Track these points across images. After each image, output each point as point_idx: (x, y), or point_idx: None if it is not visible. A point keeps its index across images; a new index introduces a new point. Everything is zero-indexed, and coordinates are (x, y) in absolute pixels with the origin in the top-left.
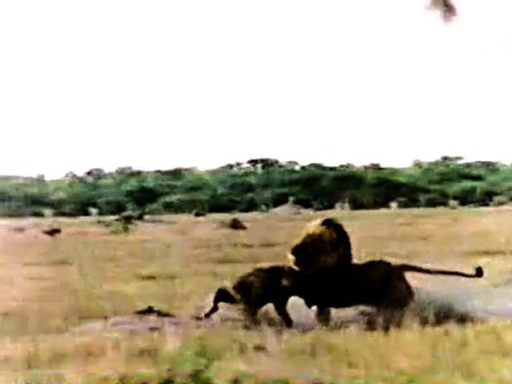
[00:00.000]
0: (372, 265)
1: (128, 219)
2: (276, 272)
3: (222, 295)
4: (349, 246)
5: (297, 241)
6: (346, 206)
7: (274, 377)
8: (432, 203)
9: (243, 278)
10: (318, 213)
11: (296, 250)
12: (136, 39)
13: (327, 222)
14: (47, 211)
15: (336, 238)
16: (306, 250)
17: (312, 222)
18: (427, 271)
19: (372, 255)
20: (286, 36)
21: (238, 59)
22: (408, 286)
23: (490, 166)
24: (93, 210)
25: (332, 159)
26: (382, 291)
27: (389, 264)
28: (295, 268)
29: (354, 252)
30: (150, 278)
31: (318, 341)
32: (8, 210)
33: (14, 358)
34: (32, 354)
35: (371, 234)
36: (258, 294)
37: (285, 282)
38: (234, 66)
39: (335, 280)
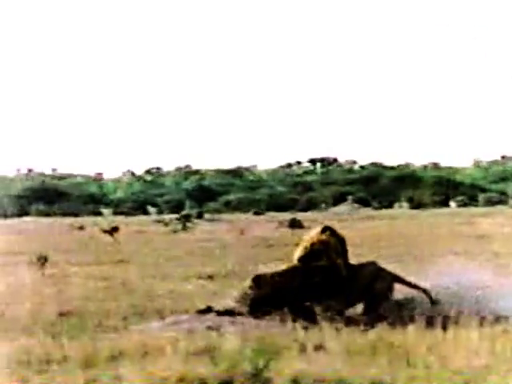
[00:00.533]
0: (364, 265)
1: (187, 218)
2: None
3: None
4: (346, 249)
5: (301, 251)
6: (405, 204)
7: (333, 376)
8: (491, 202)
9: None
10: (377, 212)
11: (302, 259)
12: (182, 37)
13: (327, 229)
14: (106, 210)
15: (337, 243)
16: (312, 258)
17: (313, 231)
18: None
19: (431, 253)
20: (331, 32)
21: (295, 59)
22: (389, 286)
23: None
24: (151, 209)
25: (391, 158)
26: (369, 288)
27: (375, 263)
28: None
29: (413, 249)
30: (209, 277)
31: (378, 340)
32: (67, 209)
33: (72, 358)
34: (90, 354)
35: (428, 232)
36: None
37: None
38: (294, 64)
39: (340, 281)
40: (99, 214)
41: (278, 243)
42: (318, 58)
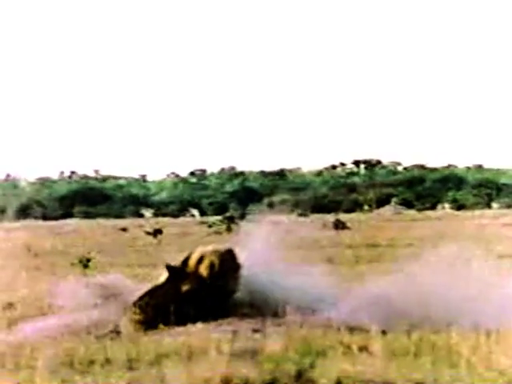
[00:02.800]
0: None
1: (231, 219)
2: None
3: None
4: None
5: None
6: (447, 206)
7: (377, 377)
8: None
9: None
10: (420, 213)
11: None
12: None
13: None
14: (147, 212)
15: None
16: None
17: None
18: None
19: (477, 255)
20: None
21: (340, 60)
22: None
23: None
24: (194, 211)
25: (435, 160)
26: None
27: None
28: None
29: (463, 252)
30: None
31: (421, 341)
32: (110, 210)
33: (115, 359)
34: (134, 355)
35: (473, 234)
36: None
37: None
38: (338, 66)
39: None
40: (142, 215)
41: (322, 245)
42: (361, 59)
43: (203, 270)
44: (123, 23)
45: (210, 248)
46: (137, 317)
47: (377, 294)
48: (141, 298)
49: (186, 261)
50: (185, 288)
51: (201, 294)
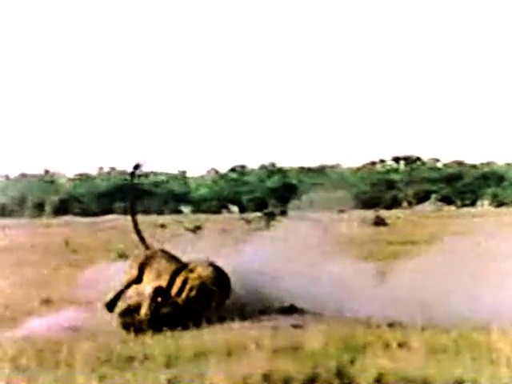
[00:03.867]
0: None
1: (271, 216)
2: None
3: None
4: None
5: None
6: (487, 202)
7: (416, 374)
8: None
9: None
10: (460, 210)
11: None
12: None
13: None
14: (186, 208)
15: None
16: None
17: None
18: None
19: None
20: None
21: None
22: None
23: None
24: (233, 208)
25: (474, 156)
26: None
27: None
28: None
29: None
30: (292, 275)
31: (461, 338)
32: (149, 207)
33: (154, 356)
34: (173, 352)
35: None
36: None
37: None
38: (373, 60)
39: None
40: (181, 212)
41: (361, 241)
42: (397, 53)
43: (184, 294)
44: (149, 15)
45: (198, 268)
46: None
47: (413, 290)
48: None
49: (173, 278)
50: (164, 311)
51: (178, 318)
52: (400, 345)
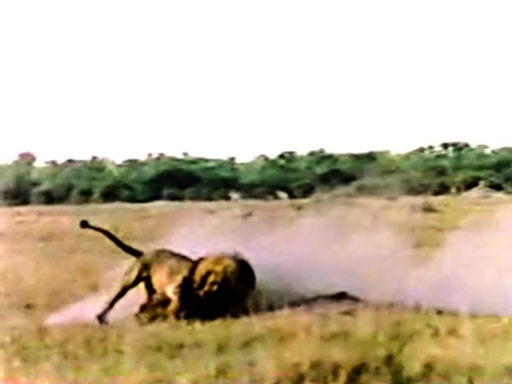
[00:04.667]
0: None
1: (320, 202)
2: None
3: None
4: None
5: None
6: None
7: (466, 362)
8: None
9: None
10: (510, 196)
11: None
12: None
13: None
14: (235, 194)
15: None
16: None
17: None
18: None
19: None
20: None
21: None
22: None
23: None
24: (282, 194)
25: None
26: None
27: None
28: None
29: None
30: (341, 261)
31: (511, 325)
32: (198, 193)
33: (204, 343)
34: (223, 339)
35: None
36: None
37: None
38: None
39: None
40: (230, 198)
41: (411, 227)
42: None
43: (206, 288)
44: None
45: (222, 260)
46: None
47: (462, 276)
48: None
49: (194, 267)
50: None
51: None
52: (449, 332)
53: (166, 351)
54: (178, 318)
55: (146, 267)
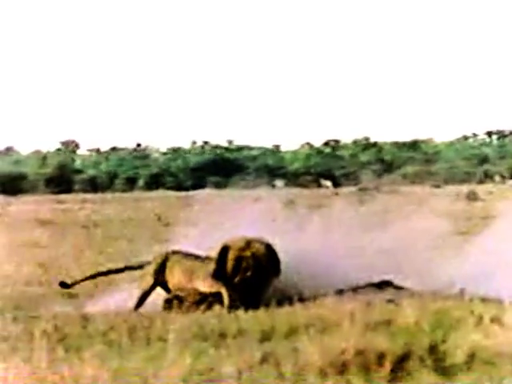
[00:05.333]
0: None
1: (365, 190)
2: None
3: None
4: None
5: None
6: None
7: (510, 350)
8: None
9: None
10: None
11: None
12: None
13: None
14: (280, 182)
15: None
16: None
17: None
18: None
19: None
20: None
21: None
22: None
23: None
24: (327, 182)
25: None
26: None
27: None
28: None
29: None
30: (385, 250)
31: None
32: (243, 181)
33: (249, 331)
34: (267, 327)
35: None
36: None
37: None
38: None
39: None
40: (274, 186)
41: (455, 216)
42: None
43: (241, 274)
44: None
45: (250, 244)
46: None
47: (506, 264)
48: None
49: (223, 257)
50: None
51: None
52: (493, 320)
53: (210, 340)
54: (232, 308)
55: (160, 272)
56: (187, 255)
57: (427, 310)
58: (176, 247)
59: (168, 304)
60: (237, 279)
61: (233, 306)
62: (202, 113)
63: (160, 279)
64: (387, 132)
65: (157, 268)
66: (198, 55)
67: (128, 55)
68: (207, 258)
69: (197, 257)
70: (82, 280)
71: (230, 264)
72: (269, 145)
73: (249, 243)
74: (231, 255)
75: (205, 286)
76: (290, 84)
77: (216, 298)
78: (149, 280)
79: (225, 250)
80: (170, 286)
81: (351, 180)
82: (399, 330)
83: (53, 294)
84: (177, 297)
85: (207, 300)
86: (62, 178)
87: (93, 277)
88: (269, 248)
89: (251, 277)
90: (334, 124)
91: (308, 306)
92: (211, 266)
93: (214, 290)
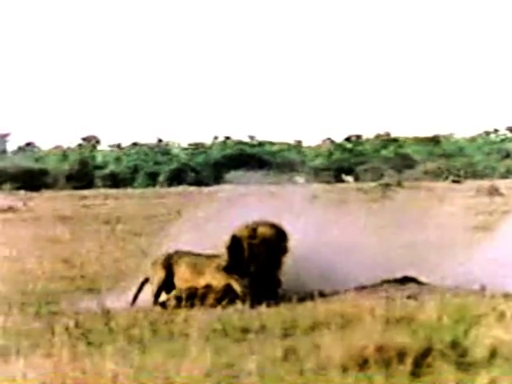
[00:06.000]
0: None
1: (387, 186)
2: None
3: None
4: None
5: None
6: None
7: None
8: None
9: None
10: None
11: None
12: None
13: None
14: (301, 178)
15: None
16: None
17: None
18: None
19: None
20: None
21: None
22: None
23: None
24: (349, 178)
25: None
26: None
27: None
28: None
29: None
30: (406, 245)
31: None
32: (264, 177)
33: (270, 327)
34: (289, 323)
35: None
36: None
37: None
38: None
39: None
40: (295, 182)
41: (477, 211)
42: None
43: (255, 263)
44: None
45: (257, 228)
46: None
47: None
48: None
49: (234, 249)
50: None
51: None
52: None
53: (232, 335)
54: (245, 300)
55: (167, 269)
56: (191, 254)
57: (448, 306)
58: (196, 243)
59: (177, 301)
60: (252, 268)
61: (246, 296)
62: (224, 108)
63: (169, 280)
64: (408, 127)
65: (162, 270)
66: (221, 50)
67: (150, 50)
68: (212, 256)
69: (200, 255)
70: None
71: (244, 254)
72: (290, 140)
73: (255, 229)
74: (244, 245)
75: (215, 280)
76: (312, 79)
77: (231, 293)
78: (160, 274)
79: (235, 241)
80: (177, 282)
81: (372, 175)
82: (420, 326)
83: (75, 289)
84: (189, 294)
85: (219, 295)
86: (83, 173)
87: None
88: (274, 228)
89: (264, 262)
90: (355, 119)
91: (329, 301)
92: (218, 261)
93: (224, 283)
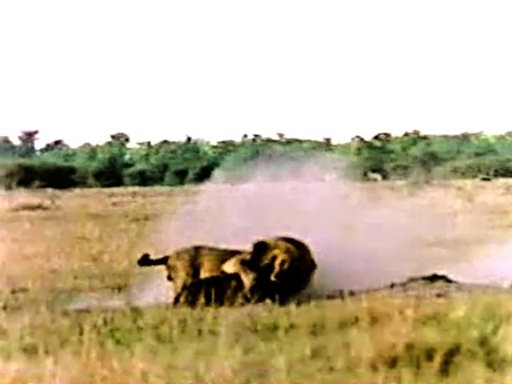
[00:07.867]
0: None
1: (415, 184)
2: None
3: None
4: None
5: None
6: None
7: None
8: None
9: None
10: None
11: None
12: None
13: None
14: (328, 176)
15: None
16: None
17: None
18: None
19: None
20: None
21: None
22: None
23: None
24: (376, 176)
25: None
26: None
27: None
28: None
29: None
30: (436, 243)
31: None
32: (293, 174)
33: (299, 325)
34: (318, 321)
35: None
36: None
37: None
38: None
39: None
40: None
41: (505, 209)
42: None
43: (276, 269)
44: None
45: (280, 243)
46: None
47: None
48: None
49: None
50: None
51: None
52: None
53: (261, 333)
54: (252, 295)
55: (192, 265)
56: (214, 249)
57: (477, 304)
58: (223, 239)
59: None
60: (273, 276)
61: (252, 294)
62: (253, 106)
63: (195, 273)
64: (437, 125)
65: (188, 264)
66: (251, 49)
67: (181, 49)
68: (236, 251)
69: (225, 250)
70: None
71: (264, 260)
72: (320, 138)
73: (282, 244)
74: (268, 253)
75: (230, 266)
76: (343, 77)
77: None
78: (184, 276)
79: (260, 246)
80: (202, 273)
81: (401, 173)
82: (449, 324)
83: (103, 287)
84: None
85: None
86: (112, 171)
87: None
88: (301, 247)
89: (286, 273)
90: (384, 117)
91: (358, 299)
92: (242, 256)
93: (234, 271)
